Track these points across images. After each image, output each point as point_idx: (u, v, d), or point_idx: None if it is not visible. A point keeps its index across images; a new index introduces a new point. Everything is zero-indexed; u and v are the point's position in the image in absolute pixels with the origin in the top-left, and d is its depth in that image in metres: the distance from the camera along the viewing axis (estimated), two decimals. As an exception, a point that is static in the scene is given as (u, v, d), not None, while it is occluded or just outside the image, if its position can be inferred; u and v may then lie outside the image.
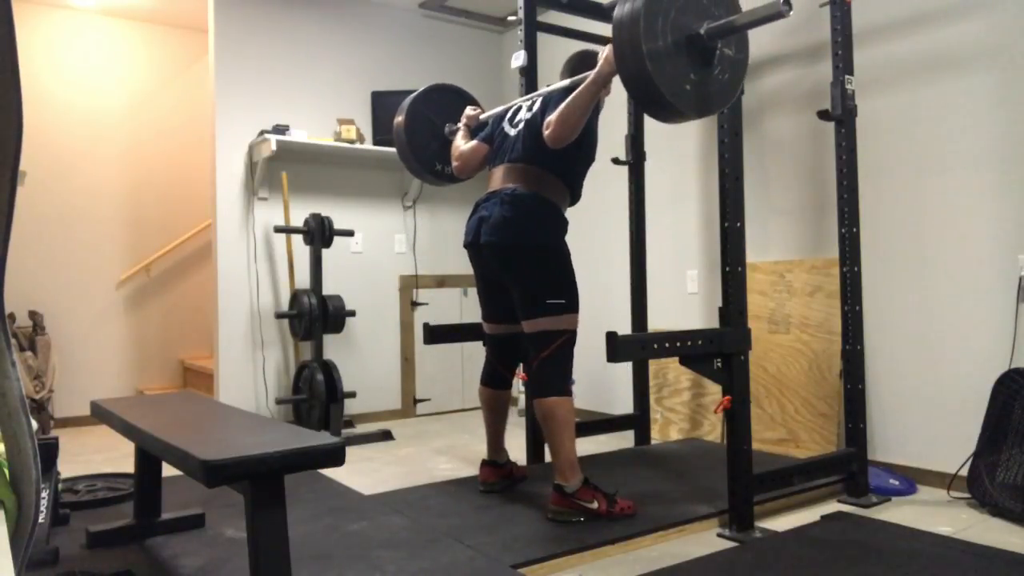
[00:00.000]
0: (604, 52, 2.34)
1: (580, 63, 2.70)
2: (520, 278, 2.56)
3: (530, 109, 2.68)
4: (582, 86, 2.38)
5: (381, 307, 4.72)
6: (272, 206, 4.38)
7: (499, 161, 2.70)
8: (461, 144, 2.85)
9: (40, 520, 0.97)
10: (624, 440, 3.69)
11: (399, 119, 3.09)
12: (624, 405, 4.05)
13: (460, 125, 2.95)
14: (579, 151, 2.59)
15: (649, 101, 2.04)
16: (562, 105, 2.42)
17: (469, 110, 2.97)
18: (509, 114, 2.77)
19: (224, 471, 1.53)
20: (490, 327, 2.87)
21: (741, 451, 2.42)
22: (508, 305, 2.71)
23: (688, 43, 2.02)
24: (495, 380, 2.92)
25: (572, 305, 2.55)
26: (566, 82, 2.55)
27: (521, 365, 3.34)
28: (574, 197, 2.71)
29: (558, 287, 2.54)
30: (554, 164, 2.58)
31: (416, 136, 3.08)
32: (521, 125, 2.67)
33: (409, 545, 2.26)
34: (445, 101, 3.15)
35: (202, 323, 5.26)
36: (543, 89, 2.69)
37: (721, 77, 2.11)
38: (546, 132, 2.45)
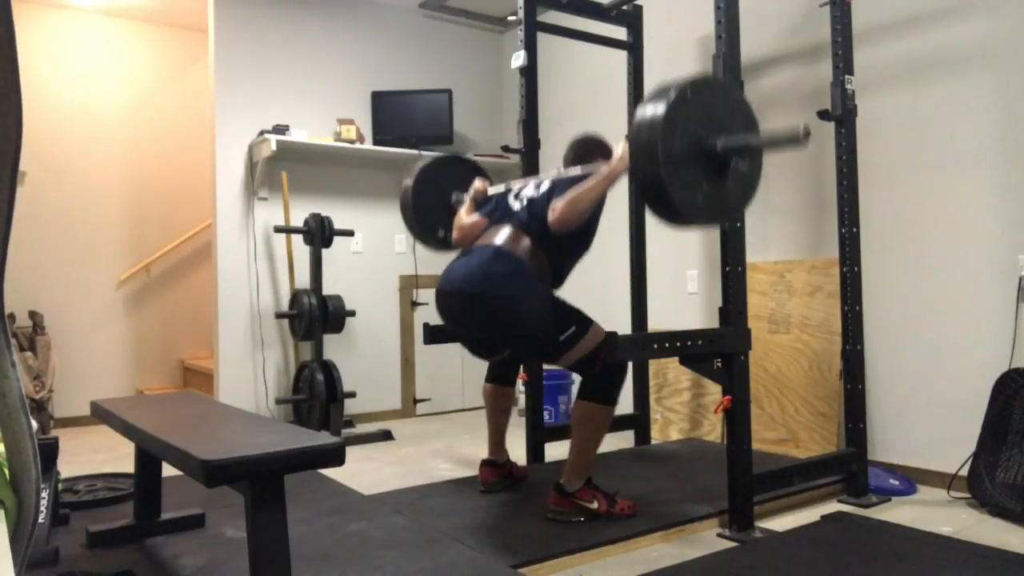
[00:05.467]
0: (619, 148, 2.36)
1: (588, 149, 2.72)
2: (516, 331, 2.49)
3: (537, 187, 2.66)
4: (595, 179, 2.38)
5: (381, 307, 4.72)
6: (272, 206, 4.38)
7: (494, 222, 2.67)
8: (464, 217, 2.81)
9: (40, 520, 0.97)
10: (624, 440, 3.68)
11: (408, 182, 3.12)
12: (624, 405, 4.04)
13: (467, 196, 2.93)
14: (576, 241, 2.57)
15: (660, 206, 2.06)
16: (572, 191, 2.40)
17: (478, 182, 2.94)
18: (515, 189, 2.76)
19: (224, 471, 1.53)
20: (489, 360, 2.91)
21: (741, 451, 2.42)
22: (491, 342, 2.71)
23: (703, 154, 2.05)
24: (500, 377, 2.94)
25: (584, 324, 2.47)
26: (577, 170, 2.54)
27: (522, 366, 3.34)
28: (556, 282, 2.64)
29: (559, 320, 2.47)
30: (547, 243, 2.52)
31: (423, 200, 3.11)
32: (526, 202, 2.64)
33: (409, 545, 2.26)
34: (456, 171, 3.20)
35: (202, 323, 5.26)
36: (552, 172, 2.69)
37: (733, 188, 2.13)
38: (551, 216, 2.42)
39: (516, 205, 2.65)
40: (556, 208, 2.42)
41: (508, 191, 2.77)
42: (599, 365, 2.42)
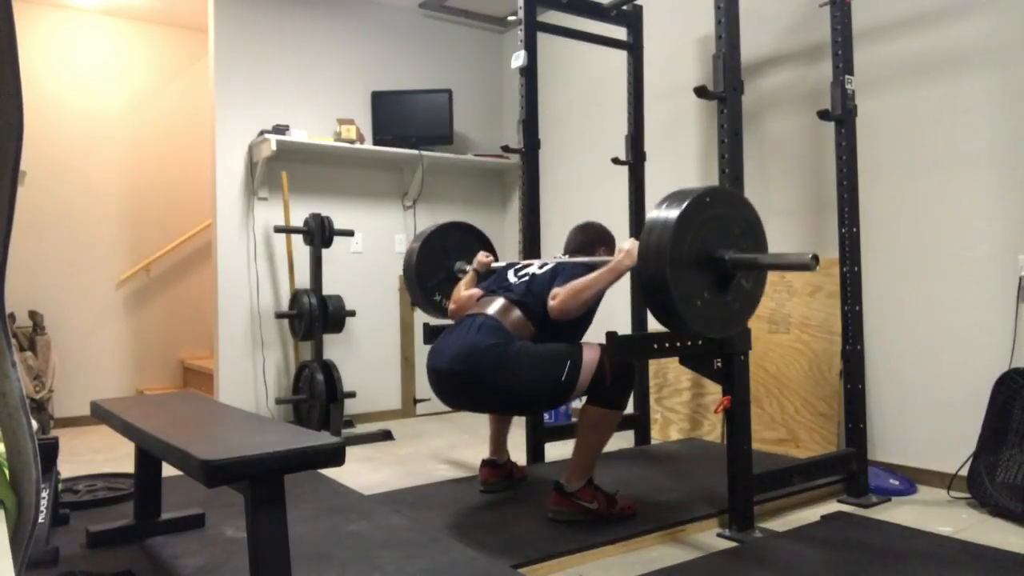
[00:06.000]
0: (627, 244, 2.39)
1: (591, 239, 2.76)
2: (515, 398, 2.46)
3: (540, 268, 2.67)
4: (601, 272, 2.41)
5: (381, 307, 4.72)
6: (272, 206, 4.38)
7: (488, 295, 2.68)
8: (463, 290, 2.83)
9: (40, 520, 0.97)
10: (624, 440, 3.68)
11: (415, 245, 3.16)
12: (624, 405, 4.05)
13: (470, 269, 2.95)
14: (570, 326, 2.55)
15: (660, 308, 2.06)
16: (577, 281, 2.42)
17: (482, 256, 2.97)
18: (518, 266, 2.77)
19: (224, 471, 1.53)
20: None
21: (741, 451, 2.42)
22: (497, 410, 2.75)
23: (711, 264, 2.08)
24: None
25: (576, 353, 2.42)
26: (583, 260, 2.56)
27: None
28: None
29: (552, 365, 2.40)
30: (540, 321, 2.51)
31: (426, 264, 3.15)
32: (526, 278, 2.64)
33: (409, 545, 2.26)
34: (463, 239, 3.24)
35: (202, 323, 5.26)
36: (558, 256, 2.70)
37: (732, 306, 2.15)
38: (552, 302, 2.43)
39: (513, 280, 2.67)
40: (558, 295, 2.43)
41: (510, 267, 2.79)
42: (610, 377, 2.41)
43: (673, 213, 2.02)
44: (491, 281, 2.78)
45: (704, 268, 2.08)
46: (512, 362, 2.40)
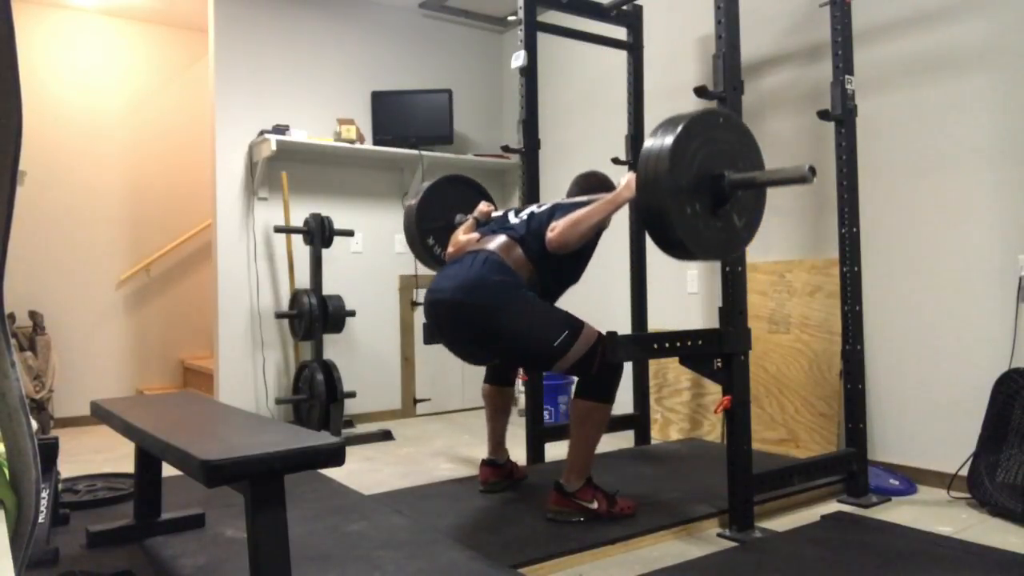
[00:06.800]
0: (626, 178, 2.41)
1: (592, 185, 2.75)
2: (509, 341, 2.44)
3: (539, 208, 2.68)
4: (599, 203, 2.43)
5: (381, 307, 4.72)
6: (272, 206, 4.38)
7: (488, 231, 2.69)
8: (461, 235, 2.83)
9: (40, 520, 0.97)
10: (624, 440, 3.69)
11: (412, 202, 3.18)
12: (624, 405, 4.05)
13: (470, 217, 2.95)
14: (566, 267, 2.57)
15: (660, 234, 2.06)
16: (575, 212, 2.43)
17: (483, 205, 2.97)
18: (518, 209, 2.79)
19: (224, 471, 1.53)
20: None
21: (741, 451, 2.42)
22: (481, 352, 2.69)
23: (710, 185, 2.07)
24: (499, 377, 2.94)
25: (576, 328, 2.42)
26: (583, 199, 2.57)
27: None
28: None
29: (552, 326, 2.41)
30: (539, 259, 2.52)
31: (427, 215, 3.16)
32: (525, 216, 2.65)
33: (409, 545, 2.26)
34: (464, 193, 3.24)
35: (202, 323, 5.26)
36: (557, 200, 2.72)
37: (720, 235, 2.14)
38: (550, 234, 2.45)
39: (515, 220, 2.68)
40: (556, 227, 2.44)
41: (510, 210, 2.80)
42: (597, 366, 2.41)
43: (667, 141, 1.99)
44: (491, 225, 2.78)
45: (703, 193, 2.05)
46: (517, 306, 2.41)
